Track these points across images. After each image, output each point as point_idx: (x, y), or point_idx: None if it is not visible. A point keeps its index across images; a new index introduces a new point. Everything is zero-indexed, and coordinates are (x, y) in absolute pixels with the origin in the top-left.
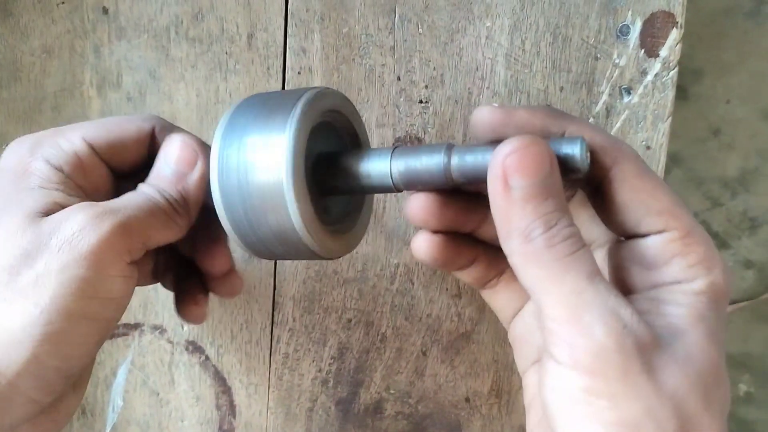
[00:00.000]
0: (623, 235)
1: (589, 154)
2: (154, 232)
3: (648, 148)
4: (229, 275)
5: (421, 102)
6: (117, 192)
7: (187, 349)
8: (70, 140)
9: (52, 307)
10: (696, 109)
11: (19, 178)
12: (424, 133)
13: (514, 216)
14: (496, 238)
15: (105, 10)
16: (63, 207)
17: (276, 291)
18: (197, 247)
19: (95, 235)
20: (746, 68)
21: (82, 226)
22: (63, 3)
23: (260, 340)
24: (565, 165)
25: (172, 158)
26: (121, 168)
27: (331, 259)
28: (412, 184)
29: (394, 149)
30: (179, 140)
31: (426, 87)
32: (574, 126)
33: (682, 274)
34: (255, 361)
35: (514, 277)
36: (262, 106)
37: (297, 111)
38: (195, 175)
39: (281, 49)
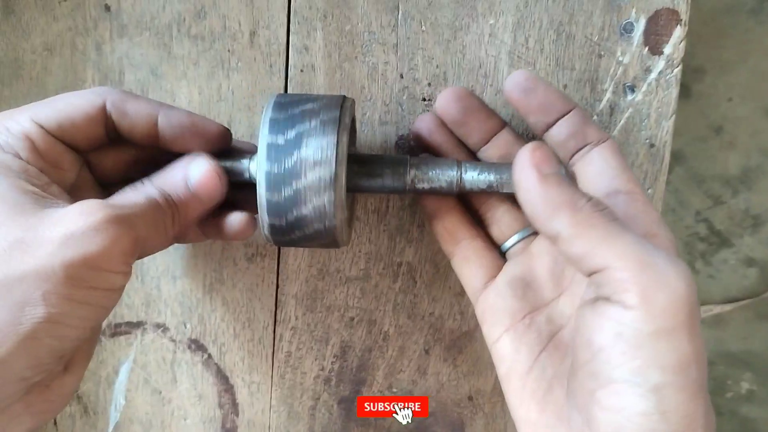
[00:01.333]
0: None
1: None
2: (155, 243)
3: (652, 145)
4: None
5: (424, 100)
6: (84, 171)
7: (189, 347)
8: (19, 122)
9: (54, 293)
10: (698, 107)
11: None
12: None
13: (556, 195)
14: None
15: (107, 8)
16: (35, 195)
17: (278, 289)
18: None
19: (106, 240)
20: (748, 66)
21: (94, 227)
22: (65, 0)
23: (263, 338)
24: None
25: (194, 179)
26: (80, 146)
27: (339, 246)
28: (423, 189)
29: (409, 158)
30: (208, 167)
31: (429, 85)
32: (569, 119)
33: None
34: (257, 360)
35: (488, 246)
36: (307, 105)
37: (345, 117)
38: (209, 205)
39: (284, 47)
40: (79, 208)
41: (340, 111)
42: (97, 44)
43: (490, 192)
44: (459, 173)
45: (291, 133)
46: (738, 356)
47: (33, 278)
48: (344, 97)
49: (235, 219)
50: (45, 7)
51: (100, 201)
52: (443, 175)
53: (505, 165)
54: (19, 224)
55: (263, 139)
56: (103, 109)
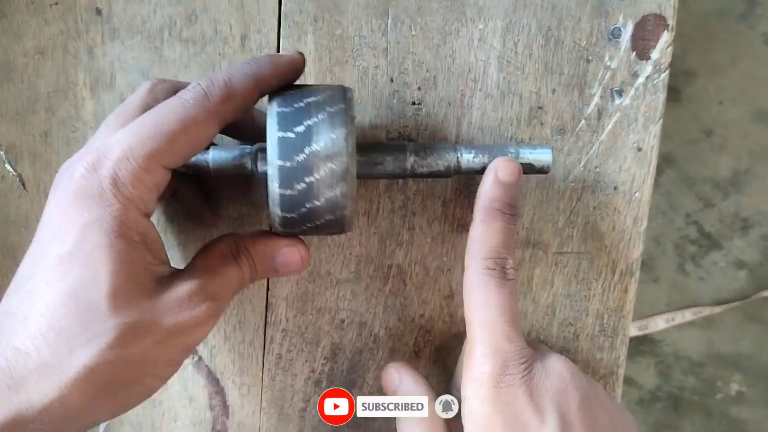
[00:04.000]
0: None
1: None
2: None
3: (639, 150)
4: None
5: (414, 104)
6: None
7: None
8: (150, 171)
9: (152, 375)
10: (688, 110)
11: (113, 231)
12: (417, 135)
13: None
14: None
15: (98, 11)
16: (152, 266)
17: (269, 292)
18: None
19: (204, 332)
20: (738, 70)
21: (198, 322)
22: (56, 4)
23: (253, 340)
24: (540, 168)
25: (282, 259)
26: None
27: (345, 232)
28: (422, 173)
29: (408, 144)
30: (302, 257)
31: (419, 89)
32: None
33: None
34: (248, 362)
35: None
36: (311, 98)
37: (351, 110)
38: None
39: (274, 51)
40: (188, 299)
41: (345, 103)
42: (89, 47)
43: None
44: (456, 156)
45: (300, 127)
46: (728, 358)
47: (139, 363)
48: (344, 88)
49: (290, 254)
50: (36, 11)
51: (202, 288)
52: (441, 159)
53: (498, 147)
54: (138, 306)
55: (273, 133)
56: (218, 125)
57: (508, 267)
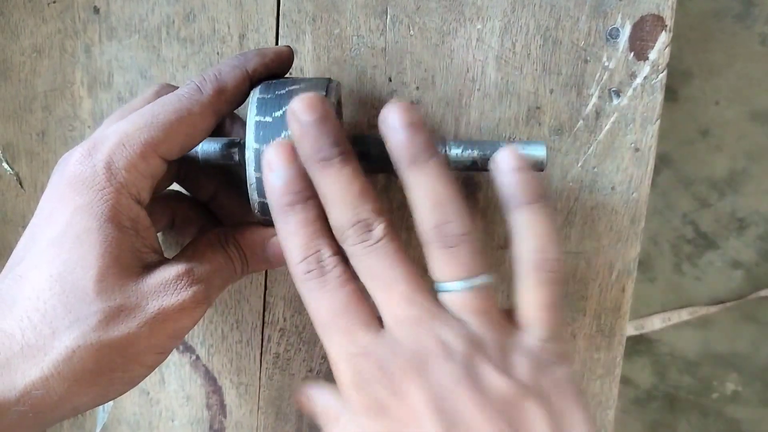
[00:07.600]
0: None
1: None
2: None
3: (637, 150)
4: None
5: (412, 103)
6: None
7: (177, 348)
8: (146, 158)
9: (134, 361)
10: (685, 110)
11: (103, 215)
12: None
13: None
14: None
15: (96, 10)
16: (140, 252)
17: (267, 291)
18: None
19: (192, 319)
20: (734, 70)
21: (184, 306)
22: (54, 2)
23: (251, 339)
24: (532, 164)
25: (273, 247)
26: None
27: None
28: None
29: None
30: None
31: (417, 88)
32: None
33: None
34: (246, 361)
35: None
36: (294, 86)
37: (330, 97)
38: (274, 267)
39: None
40: (174, 282)
41: (326, 91)
42: (86, 46)
43: (475, 170)
44: (444, 150)
45: (278, 112)
46: (724, 357)
47: (122, 348)
48: (329, 78)
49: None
50: (34, 9)
51: (189, 271)
52: None
53: (489, 143)
54: (123, 290)
55: (251, 118)
56: (216, 120)
57: (324, 258)
